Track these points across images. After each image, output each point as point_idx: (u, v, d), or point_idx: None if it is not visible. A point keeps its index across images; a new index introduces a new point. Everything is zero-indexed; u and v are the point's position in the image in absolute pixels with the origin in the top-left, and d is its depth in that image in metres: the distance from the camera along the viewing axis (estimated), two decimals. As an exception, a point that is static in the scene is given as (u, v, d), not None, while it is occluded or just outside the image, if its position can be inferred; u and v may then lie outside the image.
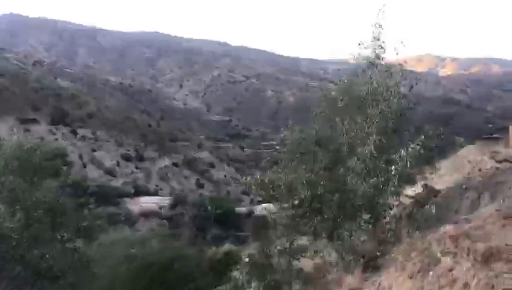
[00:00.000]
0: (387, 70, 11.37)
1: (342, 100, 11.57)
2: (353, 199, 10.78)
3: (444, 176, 14.09)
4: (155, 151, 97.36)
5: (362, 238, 10.32)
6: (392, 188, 10.16)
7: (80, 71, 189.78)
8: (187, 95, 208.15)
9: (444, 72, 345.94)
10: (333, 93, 12.21)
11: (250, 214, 61.59)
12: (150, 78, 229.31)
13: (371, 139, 10.51)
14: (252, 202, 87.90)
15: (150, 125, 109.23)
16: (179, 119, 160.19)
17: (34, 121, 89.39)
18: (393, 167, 10.25)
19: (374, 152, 10.37)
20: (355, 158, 10.64)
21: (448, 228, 6.99)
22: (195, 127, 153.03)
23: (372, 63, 11.56)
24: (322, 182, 11.26)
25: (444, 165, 14.68)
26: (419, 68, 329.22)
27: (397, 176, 10.14)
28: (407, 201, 13.00)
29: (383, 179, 10.26)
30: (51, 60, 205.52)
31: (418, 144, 10.29)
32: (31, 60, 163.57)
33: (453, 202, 11.06)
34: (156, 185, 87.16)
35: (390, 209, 11.00)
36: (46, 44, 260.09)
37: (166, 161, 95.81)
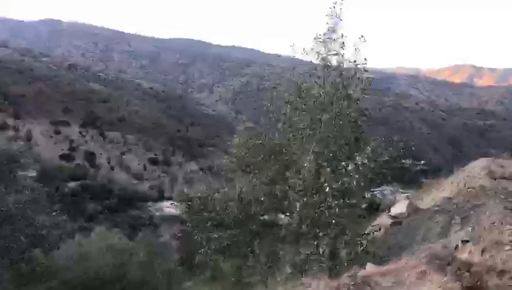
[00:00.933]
0: (337, 70, 9.65)
1: (288, 103, 9.96)
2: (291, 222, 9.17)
3: (436, 192, 12.69)
4: (182, 156, 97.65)
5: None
6: (332, 209, 8.50)
7: (113, 76, 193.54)
8: (217, 101, 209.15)
9: (481, 82, 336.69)
10: (285, 95, 10.37)
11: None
12: (181, 84, 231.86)
13: (311, 151, 9.02)
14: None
15: (178, 131, 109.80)
16: (208, 125, 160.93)
17: (66, 123, 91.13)
18: (336, 183, 8.58)
19: (316, 166, 8.85)
20: (294, 172, 9.12)
21: (362, 272, 6.23)
22: (224, 133, 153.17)
23: (325, 61, 9.74)
24: (262, 199, 9.68)
25: (448, 180, 13.12)
26: (456, 79, 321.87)
27: (341, 192, 8.55)
28: (388, 221, 11.51)
29: (324, 197, 8.62)
30: (86, 64, 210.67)
31: (365, 157, 8.53)
32: (66, 64, 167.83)
33: (421, 227, 9.57)
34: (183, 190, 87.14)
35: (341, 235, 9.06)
36: (82, 49, 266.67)
37: (192, 166, 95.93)
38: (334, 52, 9.72)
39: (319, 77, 9.83)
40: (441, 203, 10.56)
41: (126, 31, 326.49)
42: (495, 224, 6.57)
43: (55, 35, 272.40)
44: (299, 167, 9.17)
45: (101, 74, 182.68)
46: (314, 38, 9.80)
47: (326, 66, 9.76)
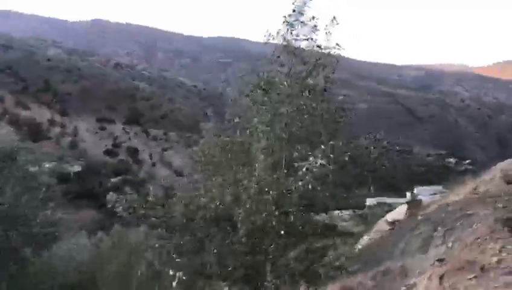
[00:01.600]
0: (299, 56, 8.24)
1: (247, 96, 8.66)
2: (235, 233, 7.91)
3: (450, 195, 11.51)
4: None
5: None
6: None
7: (157, 74, 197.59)
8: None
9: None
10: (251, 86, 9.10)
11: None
12: (222, 82, 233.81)
13: (258, 152, 7.86)
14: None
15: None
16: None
17: (111, 120, 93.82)
18: (290, 185, 7.44)
19: (271, 167, 7.71)
20: (247, 173, 7.97)
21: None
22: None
23: (289, 46, 8.47)
24: (214, 205, 8.34)
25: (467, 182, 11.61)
26: (504, 76, 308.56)
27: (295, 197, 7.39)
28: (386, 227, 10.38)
29: (273, 204, 7.50)
30: (130, 63, 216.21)
31: (318, 157, 7.24)
32: (112, 63, 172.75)
33: (403, 239, 8.20)
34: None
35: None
36: (127, 48, 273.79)
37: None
38: (304, 37, 8.52)
39: (282, 65, 8.58)
40: (432, 211, 8.97)
41: (169, 30, 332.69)
42: (479, 240, 5.29)
43: (102, 35, 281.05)
44: (253, 168, 7.98)
45: (144, 72, 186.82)
46: (283, 22, 8.53)
47: (290, 52, 8.42)
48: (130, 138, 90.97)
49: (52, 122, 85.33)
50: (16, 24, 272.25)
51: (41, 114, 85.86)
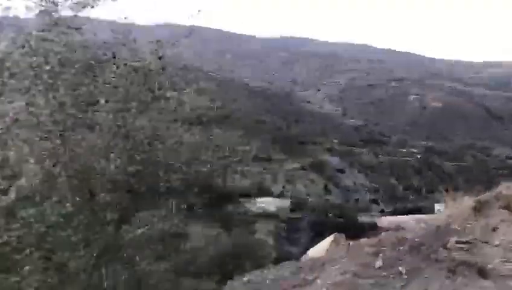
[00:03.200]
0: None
1: None
2: None
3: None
4: (284, 154, 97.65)
5: None
6: None
7: (223, 75, 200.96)
8: (324, 98, 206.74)
9: None
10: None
11: (373, 225, 57.65)
12: (287, 82, 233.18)
13: None
14: (382, 212, 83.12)
15: (281, 128, 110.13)
16: (313, 123, 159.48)
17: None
18: None
19: None
20: None
21: None
22: (329, 131, 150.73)
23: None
24: None
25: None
26: None
27: None
28: None
29: None
30: (199, 65, 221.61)
31: None
32: (180, 65, 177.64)
33: None
34: (283, 187, 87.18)
35: None
36: (196, 50, 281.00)
37: (294, 164, 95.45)
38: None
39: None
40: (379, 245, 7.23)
41: (237, 31, 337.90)
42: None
43: (175, 39, 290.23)
44: None
45: (211, 73, 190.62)
46: None
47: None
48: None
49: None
50: (95, 30, 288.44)
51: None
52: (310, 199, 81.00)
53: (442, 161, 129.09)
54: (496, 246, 6.34)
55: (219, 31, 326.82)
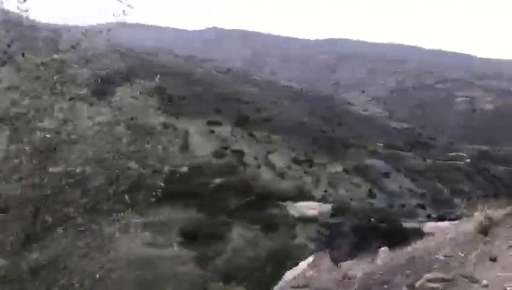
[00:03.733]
0: None
1: None
2: None
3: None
4: (326, 157, 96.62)
5: None
6: None
7: (265, 78, 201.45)
8: (368, 100, 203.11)
9: None
10: None
11: (418, 231, 55.92)
12: (330, 84, 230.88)
13: None
14: (429, 217, 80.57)
15: (323, 131, 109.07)
16: (357, 125, 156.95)
17: (219, 123, 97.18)
18: None
19: None
20: None
21: None
22: (374, 134, 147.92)
23: None
24: None
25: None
26: None
27: None
28: None
29: None
30: (242, 68, 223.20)
31: None
32: (224, 69, 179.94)
33: None
34: (325, 191, 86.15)
35: None
36: (240, 53, 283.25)
37: (336, 167, 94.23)
38: None
39: None
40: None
41: (279, 34, 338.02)
42: None
43: (219, 42, 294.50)
44: None
45: (254, 76, 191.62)
46: None
47: None
48: (236, 141, 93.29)
49: (166, 125, 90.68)
50: (141, 35, 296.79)
51: (156, 118, 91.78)
52: (352, 203, 79.70)
53: (493, 165, 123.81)
54: (484, 287, 4.94)
55: (259, 33, 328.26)
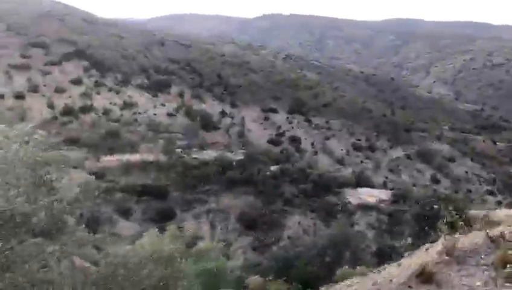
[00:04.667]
0: None
1: None
2: None
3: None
4: (388, 142, 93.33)
5: None
6: None
7: (326, 63, 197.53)
8: (434, 82, 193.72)
9: None
10: None
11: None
12: (394, 67, 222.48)
13: None
14: (499, 204, 75.90)
15: (384, 115, 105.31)
16: (422, 109, 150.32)
17: (275, 110, 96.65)
18: None
19: None
20: None
21: None
22: (440, 117, 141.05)
23: None
24: None
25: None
26: None
27: None
28: None
29: None
30: (302, 53, 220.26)
31: None
32: (282, 55, 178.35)
33: None
34: (386, 177, 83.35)
35: None
36: (299, 39, 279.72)
37: (398, 152, 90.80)
38: None
39: None
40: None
41: (340, 17, 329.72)
42: None
43: (276, 29, 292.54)
44: None
45: (313, 61, 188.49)
46: None
47: None
48: (292, 127, 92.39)
49: (223, 114, 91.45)
50: (201, 25, 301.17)
51: (213, 106, 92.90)
52: (415, 190, 76.51)
53: None
54: None
55: (319, 17, 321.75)
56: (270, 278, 19.51)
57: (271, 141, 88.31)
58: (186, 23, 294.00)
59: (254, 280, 19.23)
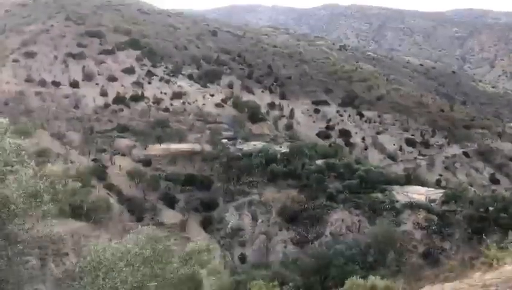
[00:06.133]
0: None
1: None
2: None
3: None
4: (444, 138, 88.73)
5: None
6: None
7: (384, 54, 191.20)
8: (499, 76, 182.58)
9: None
10: None
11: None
12: (457, 60, 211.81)
13: None
14: None
15: (442, 110, 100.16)
16: (485, 104, 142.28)
17: (325, 102, 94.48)
18: None
19: None
20: None
21: None
22: (504, 113, 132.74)
23: None
24: None
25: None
26: None
27: None
28: None
29: None
30: (359, 44, 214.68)
31: None
32: (337, 46, 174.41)
33: None
34: (440, 175, 79.36)
35: None
36: (357, 30, 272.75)
37: (455, 150, 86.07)
38: None
39: None
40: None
41: (402, 8, 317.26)
42: None
43: (334, 19, 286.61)
44: None
45: (370, 53, 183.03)
46: None
47: None
48: (343, 120, 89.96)
49: (272, 105, 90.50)
50: (259, 16, 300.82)
51: (262, 97, 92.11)
52: (472, 190, 72.18)
53: None
54: None
55: (379, 8, 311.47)
56: (275, 284, 18.42)
57: (320, 134, 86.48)
58: (245, 14, 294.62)
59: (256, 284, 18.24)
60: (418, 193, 56.66)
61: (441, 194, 55.91)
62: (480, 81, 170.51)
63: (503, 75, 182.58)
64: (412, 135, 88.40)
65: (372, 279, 15.98)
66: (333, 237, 52.95)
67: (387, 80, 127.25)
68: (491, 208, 52.58)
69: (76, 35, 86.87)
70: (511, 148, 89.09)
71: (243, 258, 52.03)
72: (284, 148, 66.00)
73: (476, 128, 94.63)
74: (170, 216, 53.13)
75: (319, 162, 63.10)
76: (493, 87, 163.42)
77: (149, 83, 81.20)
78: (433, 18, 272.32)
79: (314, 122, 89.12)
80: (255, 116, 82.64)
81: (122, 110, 72.46)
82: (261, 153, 62.53)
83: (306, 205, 56.06)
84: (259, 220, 55.47)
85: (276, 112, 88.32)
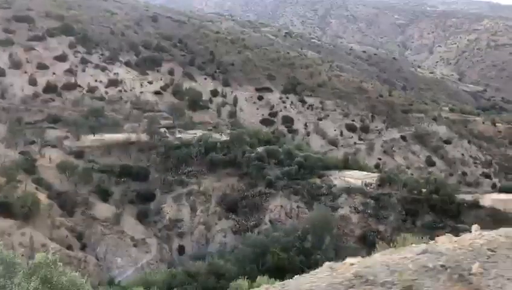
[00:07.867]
0: None
1: None
2: None
3: None
4: (383, 123, 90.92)
5: None
6: None
7: (328, 42, 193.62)
8: (437, 62, 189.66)
9: None
10: None
11: (475, 204, 50.63)
12: (398, 46, 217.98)
13: None
14: (494, 187, 73.92)
15: (381, 96, 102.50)
16: (424, 89, 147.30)
17: (268, 89, 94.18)
18: None
19: None
20: None
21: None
22: (441, 98, 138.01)
23: None
24: None
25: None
26: None
27: None
28: None
29: None
30: (304, 32, 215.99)
31: None
32: (282, 33, 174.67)
33: None
34: (379, 159, 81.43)
35: None
36: (303, 17, 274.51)
37: (394, 134, 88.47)
38: None
39: None
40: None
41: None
42: None
43: (280, 6, 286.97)
44: None
45: (314, 40, 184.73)
46: None
47: None
48: (285, 107, 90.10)
49: (215, 93, 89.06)
50: (206, 2, 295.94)
51: (205, 85, 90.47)
52: (409, 172, 74.48)
53: None
54: None
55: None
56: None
57: (264, 121, 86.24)
58: (192, 0, 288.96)
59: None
60: (354, 178, 57.49)
61: (377, 178, 56.99)
62: (419, 66, 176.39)
63: (441, 61, 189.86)
64: (352, 120, 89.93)
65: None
66: (272, 224, 52.98)
67: (331, 66, 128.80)
68: (424, 190, 54.36)
69: (2, 20, 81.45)
70: (445, 132, 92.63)
71: (181, 250, 51.07)
72: (225, 136, 65.02)
73: (413, 112, 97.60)
74: (103, 210, 51.03)
75: (260, 149, 62.61)
76: (431, 72, 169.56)
77: (83, 70, 77.54)
78: (375, 5, 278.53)
79: (257, 109, 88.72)
80: (196, 104, 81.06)
81: (53, 99, 68.85)
82: (201, 141, 61.27)
83: (246, 193, 55.69)
84: (198, 210, 54.54)
85: (219, 100, 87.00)
